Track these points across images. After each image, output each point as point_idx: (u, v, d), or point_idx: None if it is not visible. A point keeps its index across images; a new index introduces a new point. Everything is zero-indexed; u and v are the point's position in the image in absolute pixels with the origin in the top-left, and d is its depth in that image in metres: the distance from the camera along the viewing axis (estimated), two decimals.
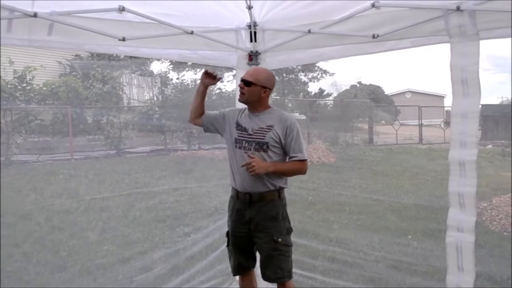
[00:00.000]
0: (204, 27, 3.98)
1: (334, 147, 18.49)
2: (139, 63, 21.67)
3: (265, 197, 3.28)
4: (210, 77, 3.48)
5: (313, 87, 33.03)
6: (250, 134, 3.33)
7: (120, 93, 18.57)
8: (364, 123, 23.02)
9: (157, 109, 18.05)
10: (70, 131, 14.97)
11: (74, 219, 7.66)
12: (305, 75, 29.80)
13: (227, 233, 3.51)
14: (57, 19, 3.21)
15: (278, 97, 24.25)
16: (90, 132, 16.37)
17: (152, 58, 21.15)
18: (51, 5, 3.17)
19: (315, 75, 29.83)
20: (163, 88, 20.30)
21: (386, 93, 38.14)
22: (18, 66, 14.50)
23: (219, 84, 21.09)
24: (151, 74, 22.21)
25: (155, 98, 20.68)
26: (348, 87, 34.11)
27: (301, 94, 29.28)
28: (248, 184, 3.29)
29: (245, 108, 3.48)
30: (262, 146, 3.28)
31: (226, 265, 4.76)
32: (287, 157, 3.36)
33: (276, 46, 4.17)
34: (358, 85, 35.42)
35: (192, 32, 3.86)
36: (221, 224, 5.16)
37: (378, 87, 37.36)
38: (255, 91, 3.34)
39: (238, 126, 3.40)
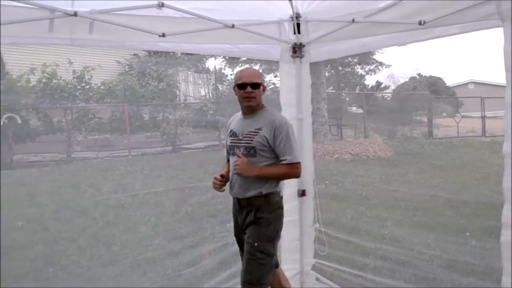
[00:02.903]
0: (245, 21, 3.91)
1: (391, 141, 18.05)
2: (195, 60, 21.93)
3: (252, 202, 3.20)
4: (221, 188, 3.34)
5: (370, 80, 32.31)
6: (239, 139, 3.26)
7: (175, 90, 18.87)
8: (424, 116, 22.31)
9: (211, 105, 18.22)
10: (127, 128, 15.37)
11: (128, 214, 7.83)
12: (361, 68, 29.15)
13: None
14: (97, 17, 3.23)
15: (333, 91, 23.93)
16: (147, 129, 16.77)
17: (208, 55, 21.45)
18: (91, 3, 3.20)
19: (372, 67, 29.13)
20: (217, 84, 20.48)
21: (447, 84, 36.76)
22: (77, 66, 15.04)
23: (273, 79, 21.09)
24: (207, 71, 22.43)
25: (209, 94, 20.89)
26: (407, 79, 33.11)
27: (358, 87, 28.71)
28: (237, 190, 3.24)
29: (238, 113, 3.43)
30: (249, 151, 3.18)
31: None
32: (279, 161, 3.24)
33: (319, 37, 4.05)
34: (417, 77, 34.33)
35: (233, 26, 3.80)
36: None
37: (439, 78, 36.06)
38: (261, 92, 3.27)
39: (231, 132, 3.35)
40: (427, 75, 35.21)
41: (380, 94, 28.06)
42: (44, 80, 14.45)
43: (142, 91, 16.97)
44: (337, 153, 14.99)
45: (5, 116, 12.78)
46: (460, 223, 6.92)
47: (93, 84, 15.73)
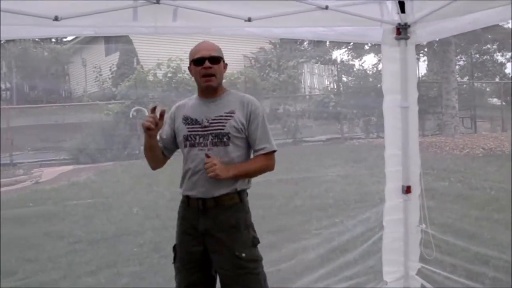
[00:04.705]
0: (340, 1, 3.62)
1: None
2: (322, 52, 21.63)
3: (222, 202, 2.65)
4: (153, 124, 2.61)
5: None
6: (205, 126, 2.67)
7: (296, 82, 18.82)
8: None
9: (333, 96, 17.89)
10: None
11: None
12: (502, 55, 26.56)
13: (174, 247, 2.87)
14: (180, 4, 3.17)
15: (467, 81, 22.26)
16: (268, 121, 16.86)
17: (334, 47, 21.13)
18: None
19: None
20: (341, 75, 20.07)
21: None
22: None
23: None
24: (333, 62, 22.05)
25: (332, 85, 20.53)
26: None
27: (498, 76, 26.25)
28: (202, 189, 2.64)
29: (192, 97, 2.88)
30: (222, 139, 2.64)
31: (375, 261, 4.40)
32: (252, 151, 2.75)
33: (426, 15, 3.63)
34: None
35: (326, 7, 3.50)
36: (380, 215, 4.71)
37: None
38: (222, 69, 2.77)
39: (187, 120, 2.73)
40: None
41: None
42: (169, 74, 15.29)
43: (263, 83, 17.16)
44: (467, 147, 13.86)
45: (134, 109, 13.66)
46: None
47: None
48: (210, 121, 2.67)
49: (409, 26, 3.82)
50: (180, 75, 15.31)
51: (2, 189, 10.40)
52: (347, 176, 10.08)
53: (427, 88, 18.02)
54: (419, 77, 20.02)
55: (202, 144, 2.66)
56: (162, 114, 2.63)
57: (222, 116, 2.67)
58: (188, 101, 2.86)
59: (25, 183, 11.16)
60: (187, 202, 2.74)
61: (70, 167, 12.89)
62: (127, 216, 7.22)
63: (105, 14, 2.99)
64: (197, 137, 2.68)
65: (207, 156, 2.59)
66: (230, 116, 2.67)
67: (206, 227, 2.66)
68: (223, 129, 2.64)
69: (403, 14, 3.75)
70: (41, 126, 15.47)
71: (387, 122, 4.09)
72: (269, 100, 17.04)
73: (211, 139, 2.65)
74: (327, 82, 21.04)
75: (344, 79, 19.90)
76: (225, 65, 2.82)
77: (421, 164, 4.06)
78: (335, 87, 20.06)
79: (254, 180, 8.66)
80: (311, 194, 8.61)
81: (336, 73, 20.11)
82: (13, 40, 18.22)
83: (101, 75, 18.77)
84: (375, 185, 8.90)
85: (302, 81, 20.29)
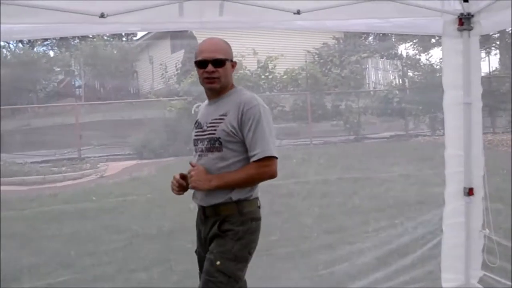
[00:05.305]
0: None
1: None
2: (387, 46, 21.04)
3: (219, 211, 2.49)
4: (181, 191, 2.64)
5: None
6: (203, 130, 2.54)
7: (358, 77, 18.40)
8: None
9: (397, 92, 17.35)
10: (309, 117, 15.48)
11: (294, 203, 7.75)
12: None
13: (196, 251, 2.79)
14: None
15: None
16: (329, 117, 16.67)
17: (399, 41, 20.49)
18: None
19: None
20: (406, 70, 19.43)
21: None
22: (261, 56, 15.60)
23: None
24: (399, 57, 21.39)
25: (396, 80, 19.92)
26: None
27: None
28: (201, 196, 2.53)
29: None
30: (214, 144, 2.47)
31: (434, 266, 4.15)
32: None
33: (491, 4, 3.35)
34: None
35: None
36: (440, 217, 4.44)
37: None
38: (228, 70, 2.56)
39: (195, 123, 2.66)
40: None
41: None
42: None
43: (325, 79, 16.92)
44: None
45: (196, 105, 13.86)
46: None
47: (276, 74, 16.20)
48: (207, 125, 2.54)
49: (472, 16, 3.55)
50: (241, 71, 15.37)
51: (69, 182, 10.89)
52: (410, 176, 9.67)
53: (498, 83, 17.08)
54: (490, 72, 19.02)
55: (200, 150, 2.55)
56: (183, 176, 2.60)
57: (216, 119, 2.51)
58: (205, 103, 2.77)
59: (91, 177, 11.62)
60: (198, 208, 2.68)
61: (134, 162, 13.30)
62: (183, 212, 7.19)
63: (151, 10, 2.98)
64: (198, 142, 2.59)
65: (192, 165, 2.51)
66: (222, 119, 2.49)
67: (205, 234, 2.58)
68: (214, 134, 2.49)
69: (465, 3, 3.49)
70: (108, 122, 16.01)
71: (447, 119, 3.85)
72: (331, 96, 16.76)
73: (206, 144, 2.51)
74: (391, 77, 20.43)
75: (410, 74, 19.20)
76: (234, 64, 2.64)
77: (490, 163, 3.78)
78: (400, 82, 19.44)
79: (312, 178, 8.47)
80: (371, 193, 8.34)
81: (401, 68, 19.46)
82: (85, 40, 19.00)
83: (166, 72, 19.15)
84: (438, 186, 8.45)
85: (366, 76, 19.81)
